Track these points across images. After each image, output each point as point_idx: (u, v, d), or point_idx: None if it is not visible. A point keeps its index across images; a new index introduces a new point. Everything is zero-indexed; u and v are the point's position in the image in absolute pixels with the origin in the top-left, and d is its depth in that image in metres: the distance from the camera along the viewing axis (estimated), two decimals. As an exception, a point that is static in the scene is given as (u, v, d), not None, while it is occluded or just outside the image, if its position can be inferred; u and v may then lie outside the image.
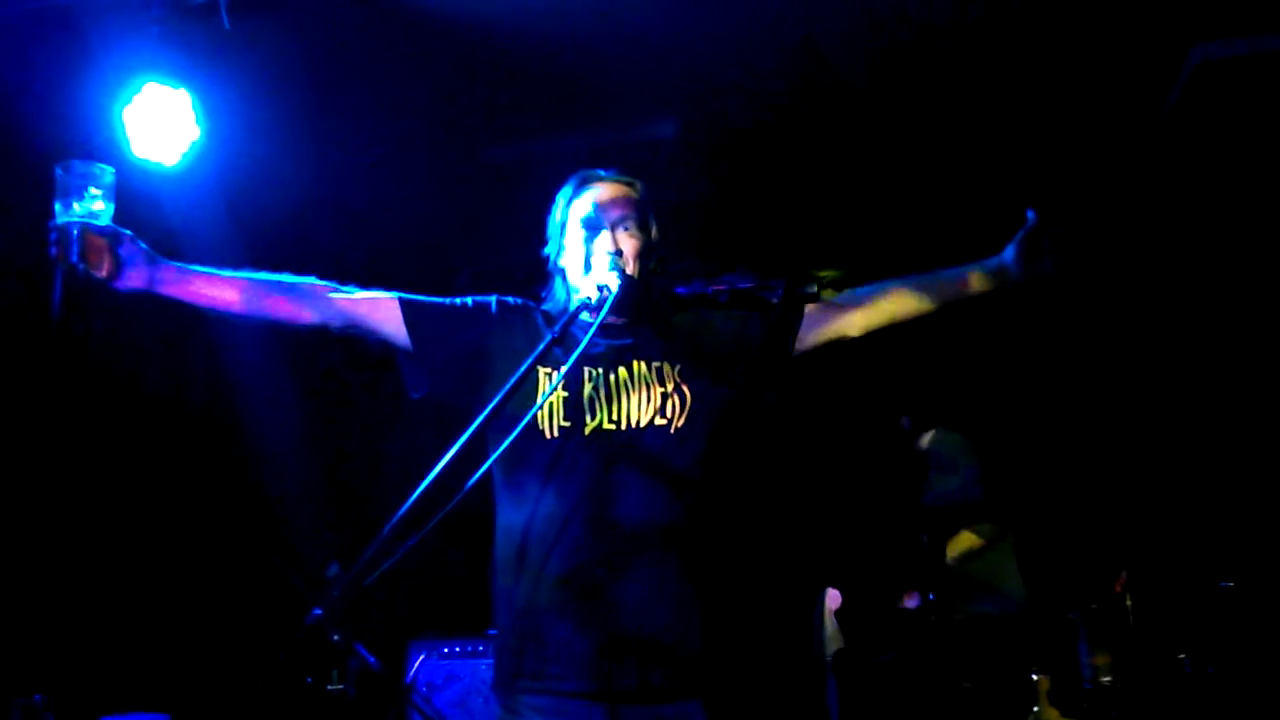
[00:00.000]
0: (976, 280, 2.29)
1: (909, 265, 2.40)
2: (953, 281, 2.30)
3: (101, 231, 2.07)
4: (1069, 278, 2.27)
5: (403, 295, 2.26)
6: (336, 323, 2.24)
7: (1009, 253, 2.27)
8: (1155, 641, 3.51)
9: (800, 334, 2.28)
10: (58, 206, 2.06)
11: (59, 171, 2.06)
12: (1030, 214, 2.23)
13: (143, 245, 2.12)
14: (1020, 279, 2.25)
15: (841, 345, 2.31)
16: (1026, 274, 2.25)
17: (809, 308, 2.31)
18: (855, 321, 2.30)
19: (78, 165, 2.08)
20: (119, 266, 2.10)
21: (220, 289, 2.19)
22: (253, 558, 4.25)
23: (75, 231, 2.05)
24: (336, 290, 2.24)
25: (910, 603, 4.19)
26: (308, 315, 2.22)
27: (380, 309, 2.23)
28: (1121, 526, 4.15)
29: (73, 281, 2.05)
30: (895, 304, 2.30)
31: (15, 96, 3.30)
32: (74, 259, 2.05)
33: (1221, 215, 4.32)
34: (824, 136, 4.42)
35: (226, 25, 3.25)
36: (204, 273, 2.18)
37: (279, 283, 2.22)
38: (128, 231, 2.11)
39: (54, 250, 2.04)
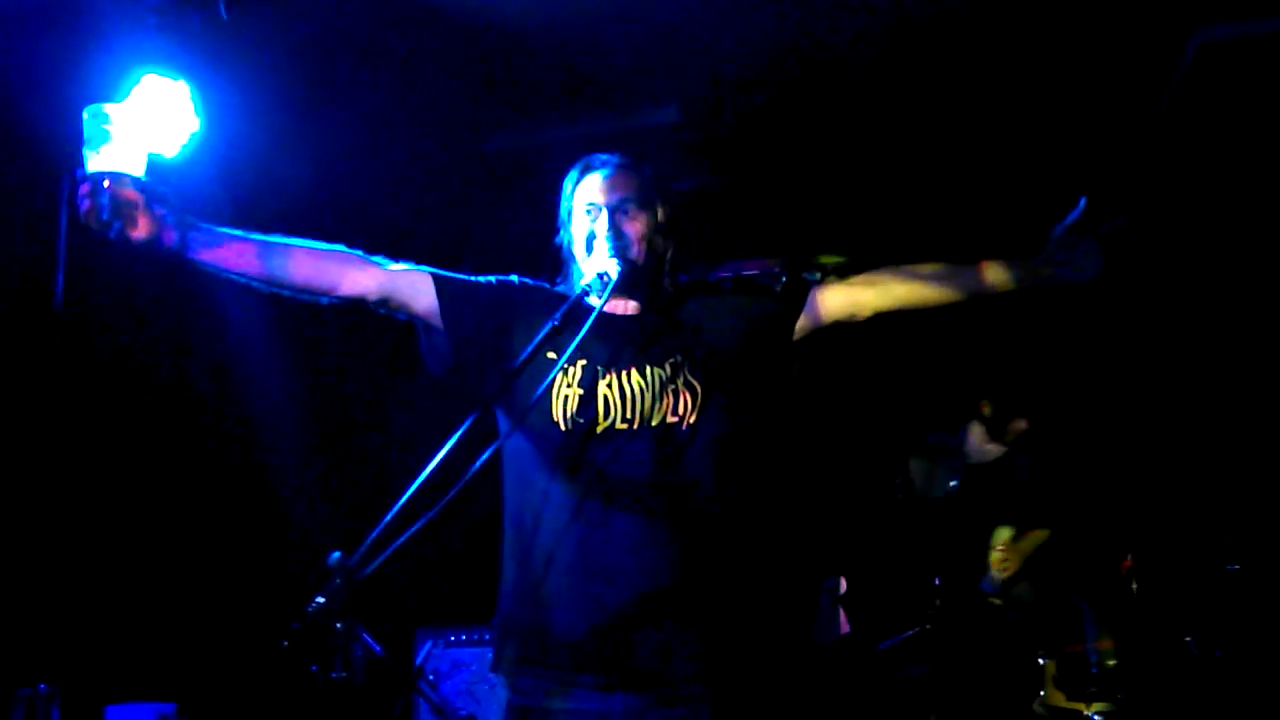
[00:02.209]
0: (1005, 276, 2.22)
1: (914, 250, 2.37)
2: (977, 275, 2.23)
3: (137, 186, 1.90)
4: (1112, 280, 2.20)
5: (435, 271, 2.22)
6: (374, 296, 2.18)
7: (1049, 251, 2.20)
8: (1161, 624, 3.50)
9: (807, 315, 2.26)
10: (85, 155, 1.87)
11: (86, 116, 1.87)
12: (1082, 201, 2.16)
13: (175, 204, 1.98)
14: (1062, 280, 2.19)
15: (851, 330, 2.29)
16: (1069, 276, 2.19)
17: (822, 288, 2.29)
18: (867, 303, 2.26)
19: (110, 110, 1.88)
20: (156, 228, 1.94)
21: (257, 255, 2.08)
22: (258, 546, 4.26)
23: (107, 185, 1.86)
24: (372, 262, 2.18)
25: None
26: (347, 287, 2.16)
27: (415, 284, 2.20)
28: (1127, 509, 4.14)
29: (90, 248, 1.85)
30: (910, 290, 2.25)
31: (12, 88, 3.29)
32: (105, 215, 1.86)
33: (1226, 198, 4.30)
34: (827, 121, 4.40)
35: (224, 15, 3.24)
36: (239, 237, 2.08)
37: (317, 250, 2.15)
38: (163, 187, 1.97)
39: (84, 204, 1.89)
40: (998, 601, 3.94)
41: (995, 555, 3.99)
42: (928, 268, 2.27)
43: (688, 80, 4.17)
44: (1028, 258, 2.23)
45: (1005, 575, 3.97)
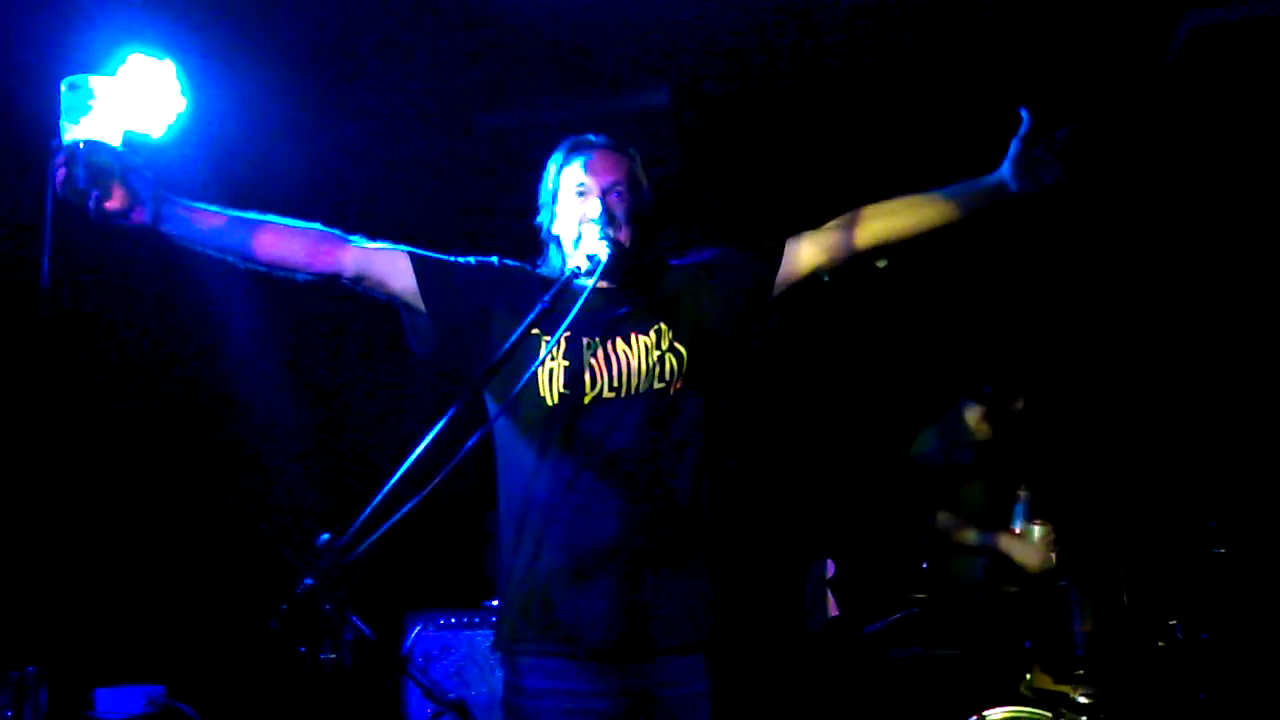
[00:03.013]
0: (974, 196, 2.24)
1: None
2: (946, 199, 2.25)
3: (112, 155, 1.93)
4: (1071, 188, 2.20)
5: (413, 251, 2.23)
6: (348, 273, 2.19)
7: (1006, 165, 2.21)
8: (1147, 608, 3.52)
9: (785, 269, 2.26)
10: (63, 126, 1.90)
11: (64, 88, 1.90)
12: (1024, 114, 2.18)
13: (149, 175, 2.01)
14: (1019, 190, 2.20)
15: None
16: (1025, 185, 2.19)
17: (795, 240, 2.29)
18: (842, 246, 2.26)
19: (86, 81, 1.91)
20: (130, 199, 1.97)
21: (230, 230, 2.10)
22: (245, 528, 4.25)
23: (82, 154, 1.89)
24: (348, 240, 2.20)
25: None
26: (321, 263, 2.17)
27: (392, 263, 2.20)
28: (1113, 492, 4.16)
29: (71, 224, 1.88)
30: (885, 223, 2.26)
31: (-3, 66, 3.27)
32: (81, 184, 1.90)
33: (1216, 181, 4.31)
34: (817, 103, 4.40)
35: (211, -7, 3.22)
36: (213, 212, 2.09)
37: (292, 227, 2.16)
38: (137, 159, 1.99)
39: (59, 172, 1.92)
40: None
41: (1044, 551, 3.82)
42: (893, 202, 2.28)
43: (677, 63, 4.16)
44: (987, 177, 2.24)
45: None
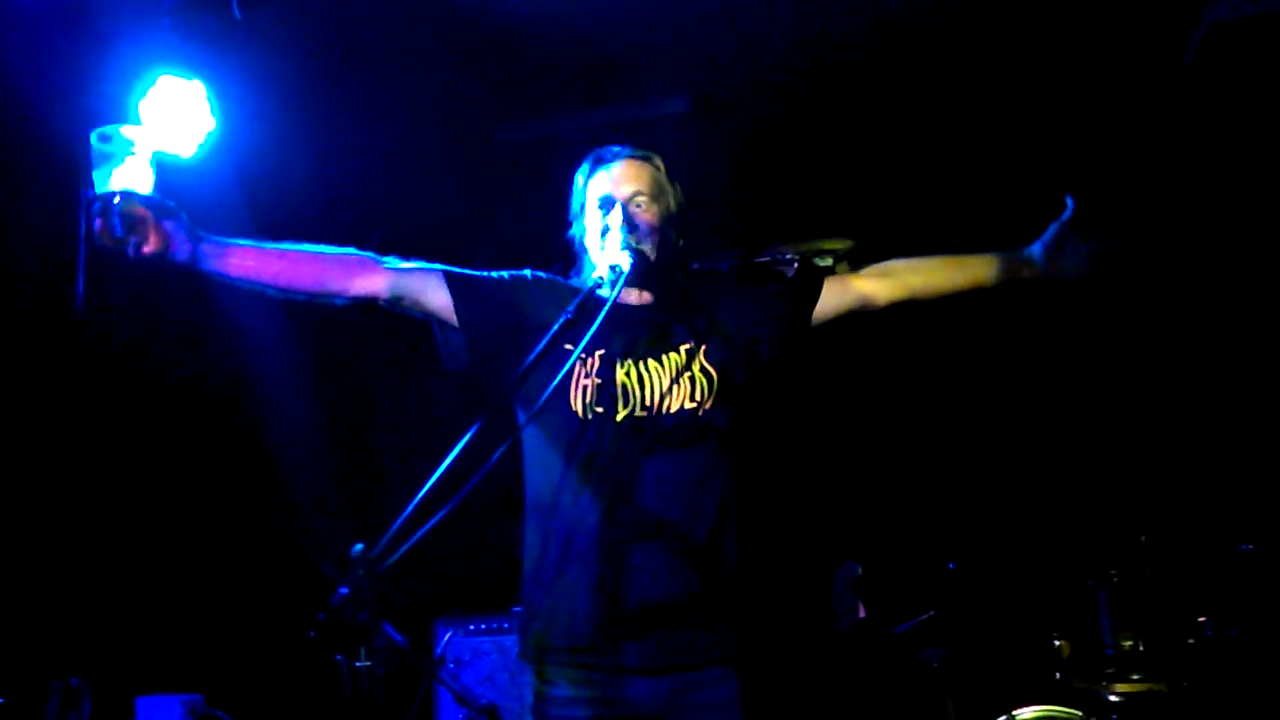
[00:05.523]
0: (1005, 267, 2.33)
1: (924, 238, 2.42)
2: (980, 265, 2.34)
3: (145, 202, 1.97)
4: (1097, 277, 2.29)
5: (447, 269, 2.27)
6: (385, 296, 2.23)
7: (1039, 245, 2.31)
8: (1176, 605, 3.51)
9: (821, 305, 2.31)
10: (96, 176, 1.95)
11: (95, 139, 1.95)
12: (1069, 201, 2.25)
13: (184, 217, 2.05)
14: (1048, 274, 2.30)
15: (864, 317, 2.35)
16: (1056, 272, 2.30)
17: (831, 279, 2.34)
18: (880, 293, 2.34)
19: (116, 131, 1.96)
20: (166, 242, 2.01)
21: (266, 263, 2.14)
22: (281, 539, 4.30)
23: (117, 202, 1.93)
24: (382, 263, 2.23)
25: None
26: (357, 288, 2.20)
27: (427, 283, 2.24)
28: (1140, 490, 4.15)
29: (107, 256, 1.91)
30: (920, 279, 2.34)
31: (28, 90, 3.32)
32: (117, 233, 1.94)
33: (1235, 179, 4.29)
34: (837, 108, 4.40)
35: (238, 15, 3.27)
36: (248, 246, 2.13)
37: (326, 254, 2.19)
38: (171, 202, 2.03)
39: (96, 223, 1.96)
40: None
41: None
42: (934, 260, 2.36)
43: (698, 70, 4.18)
44: (1020, 251, 2.34)
45: None
